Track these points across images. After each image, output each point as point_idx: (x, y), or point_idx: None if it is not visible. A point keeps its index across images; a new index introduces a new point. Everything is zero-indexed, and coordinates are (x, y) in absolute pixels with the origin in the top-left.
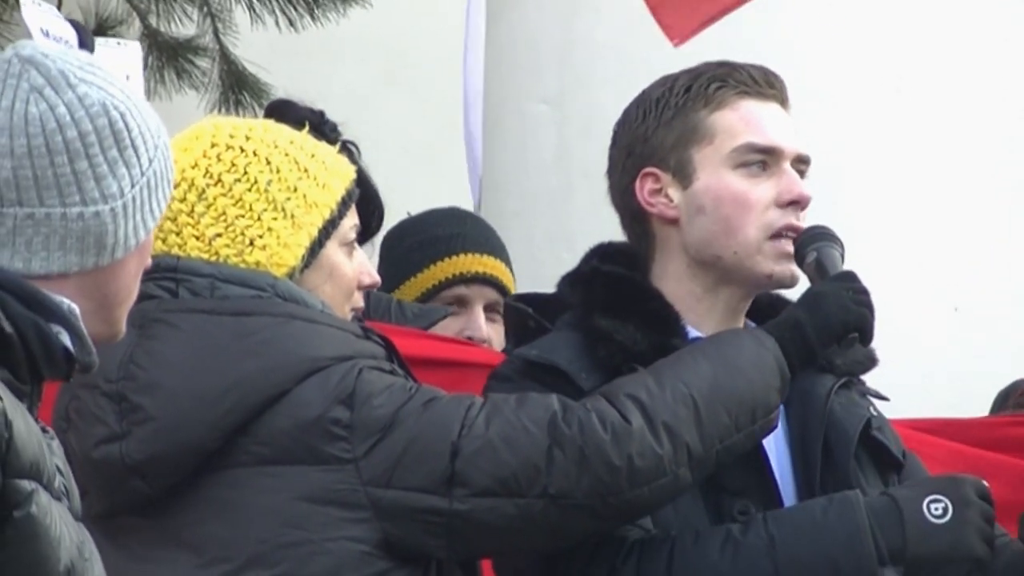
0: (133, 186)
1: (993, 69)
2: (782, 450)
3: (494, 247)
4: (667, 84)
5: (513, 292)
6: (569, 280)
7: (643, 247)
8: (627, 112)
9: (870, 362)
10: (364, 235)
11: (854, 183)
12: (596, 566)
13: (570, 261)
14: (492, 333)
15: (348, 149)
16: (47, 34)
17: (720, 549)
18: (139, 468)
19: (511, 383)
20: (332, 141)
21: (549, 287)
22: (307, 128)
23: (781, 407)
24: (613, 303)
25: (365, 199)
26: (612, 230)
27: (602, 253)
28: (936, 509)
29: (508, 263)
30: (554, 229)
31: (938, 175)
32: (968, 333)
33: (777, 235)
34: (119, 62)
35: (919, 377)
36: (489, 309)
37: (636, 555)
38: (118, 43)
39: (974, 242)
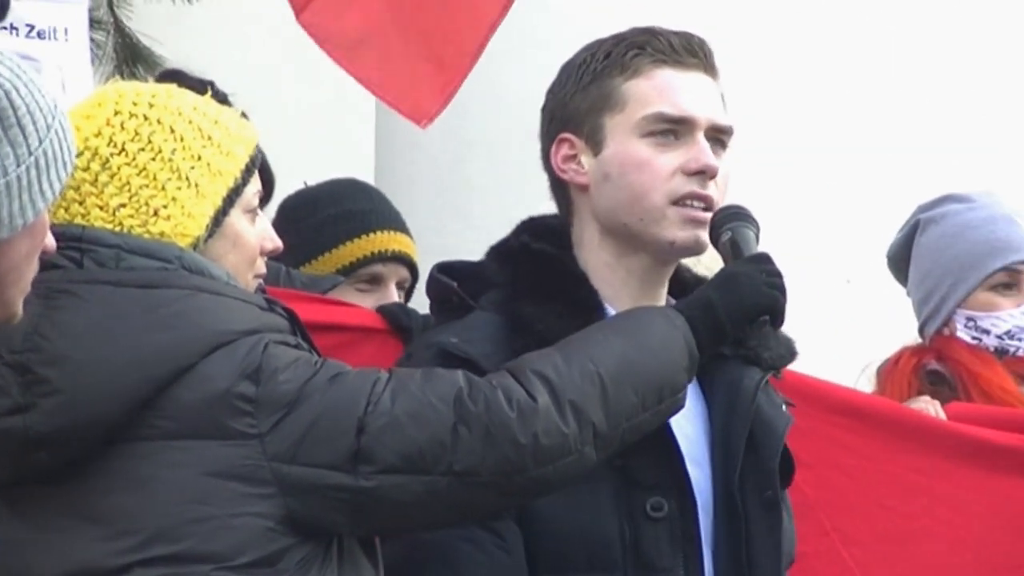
0: (19, 165)
1: (888, 44)
2: (701, 439)
3: (402, 223)
4: (592, 49)
5: (418, 267)
6: (497, 254)
7: (564, 214)
8: (556, 77)
9: (791, 355)
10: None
11: (748, 157)
12: None
13: (460, 229)
14: None
15: None
16: None
17: None
18: (43, 441)
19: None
20: None
21: (440, 254)
22: (209, 93)
23: (701, 397)
24: (539, 286)
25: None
26: (501, 198)
27: (533, 228)
28: None
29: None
30: (444, 197)
31: (830, 152)
32: (859, 303)
33: (680, 202)
34: (60, 18)
35: (813, 346)
36: (398, 286)
37: None
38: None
39: (864, 218)
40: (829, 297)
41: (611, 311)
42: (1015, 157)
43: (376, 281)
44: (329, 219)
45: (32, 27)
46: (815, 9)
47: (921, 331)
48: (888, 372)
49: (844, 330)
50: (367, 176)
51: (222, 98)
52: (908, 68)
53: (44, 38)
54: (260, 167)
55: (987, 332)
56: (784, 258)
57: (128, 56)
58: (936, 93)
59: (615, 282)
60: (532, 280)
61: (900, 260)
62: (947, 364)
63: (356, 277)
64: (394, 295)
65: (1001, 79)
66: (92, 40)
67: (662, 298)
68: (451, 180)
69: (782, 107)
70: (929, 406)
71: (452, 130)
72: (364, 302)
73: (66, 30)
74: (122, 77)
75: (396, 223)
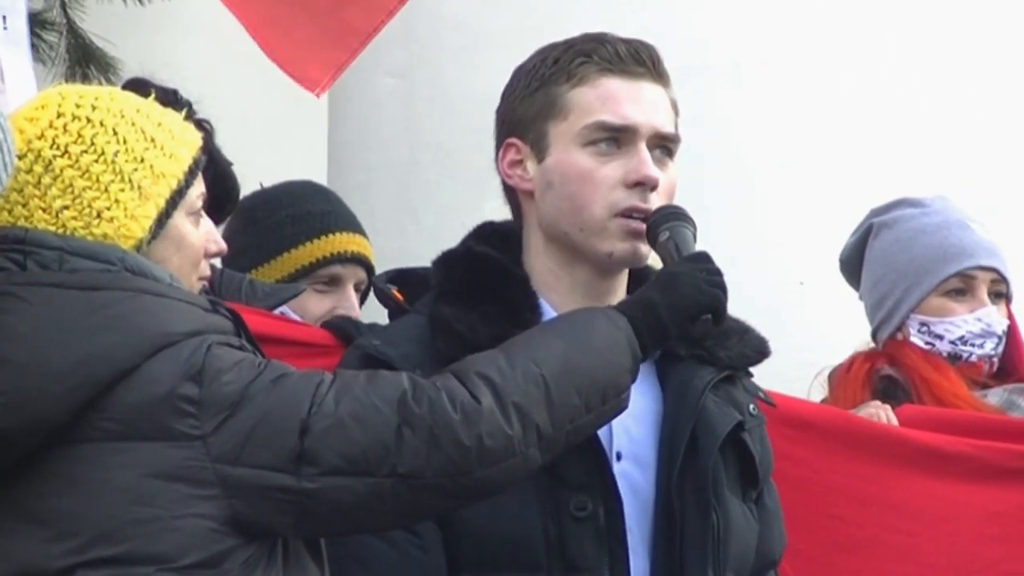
0: None
1: (843, 48)
2: (650, 443)
3: (359, 225)
4: (542, 55)
5: (374, 269)
6: (441, 259)
7: (515, 217)
8: (508, 80)
9: (758, 355)
10: (219, 214)
11: (701, 161)
12: None
13: (414, 233)
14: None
15: (203, 127)
16: None
17: None
18: None
19: None
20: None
21: (391, 258)
22: (153, 96)
23: (660, 398)
24: (468, 288)
25: (218, 177)
26: (456, 202)
27: (481, 233)
28: None
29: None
30: (397, 201)
31: (783, 155)
32: (812, 305)
33: (622, 215)
34: None
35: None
36: (355, 288)
37: None
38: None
39: (818, 220)
40: (782, 299)
41: (550, 312)
42: (968, 162)
43: (335, 282)
44: (288, 219)
45: None
46: (770, 12)
47: (874, 336)
48: (840, 377)
49: (797, 332)
50: (320, 179)
51: (186, 105)
52: (860, 73)
53: None
54: (222, 176)
55: (940, 337)
56: (738, 260)
57: (81, 57)
58: (888, 96)
59: (561, 289)
60: (461, 282)
61: (853, 264)
62: (900, 369)
63: (315, 278)
64: (352, 296)
65: (954, 85)
66: (44, 41)
67: (608, 304)
68: (404, 183)
69: (734, 111)
70: (880, 411)
71: (405, 133)
72: (323, 303)
73: (4, 18)
74: (75, 77)
75: (354, 225)
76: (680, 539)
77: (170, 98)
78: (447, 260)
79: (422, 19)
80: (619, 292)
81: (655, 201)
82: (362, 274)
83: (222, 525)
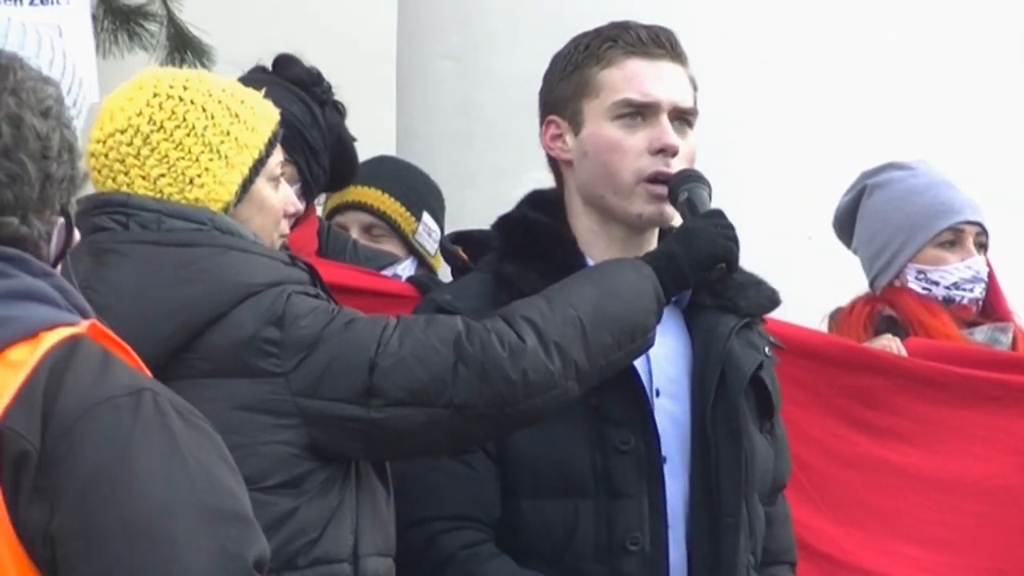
0: None
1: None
2: (683, 380)
3: (374, 177)
4: (575, 42)
5: (389, 214)
6: (500, 223)
7: (557, 185)
8: (548, 66)
9: (771, 303)
10: (342, 184)
11: (716, 129)
12: None
13: (471, 196)
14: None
15: (337, 109)
16: None
17: None
18: None
19: None
20: (324, 101)
21: (452, 216)
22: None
23: (688, 342)
24: (526, 248)
25: (343, 154)
26: (507, 169)
27: (533, 200)
28: None
29: (393, 191)
30: (456, 169)
31: (789, 117)
32: (820, 260)
33: (649, 180)
34: (53, 18)
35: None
36: (369, 230)
37: None
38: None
39: (824, 182)
40: (792, 252)
41: None
42: (945, 127)
43: (344, 228)
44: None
45: None
46: None
47: (871, 284)
48: (843, 319)
49: (806, 282)
50: (389, 149)
51: (327, 88)
52: (860, 59)
53: (46, 3)
54: (348, 154)
55: (936, 284)
56: (753, 217)
57: (179, 45)
58: (875, 78)
59: (600, 245)
60: (519, 244)
61: (846, 221)
62: (897, 311)
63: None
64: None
65: (937, 63)
66: (146, 30)
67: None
68: (461, 152)
69: (749, 81)
70: (892, 343)
71: (462, 108)
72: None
73: None
74: (173, 62)
75: (360, 179)
76: (716, 464)
77: (313, 78)
78: (506, 224)
79: (476, 9)
80: (651, 247)
81: (676, 165)
82: (365, 217)
83: (302, 451)
